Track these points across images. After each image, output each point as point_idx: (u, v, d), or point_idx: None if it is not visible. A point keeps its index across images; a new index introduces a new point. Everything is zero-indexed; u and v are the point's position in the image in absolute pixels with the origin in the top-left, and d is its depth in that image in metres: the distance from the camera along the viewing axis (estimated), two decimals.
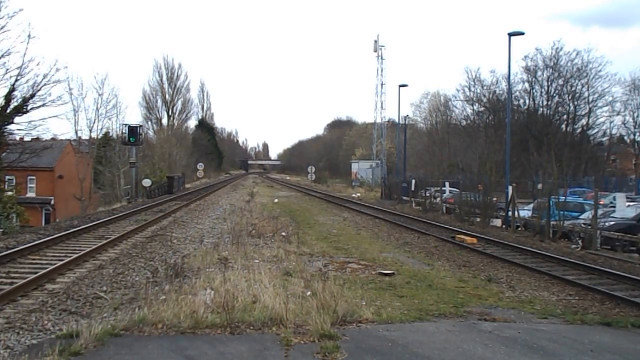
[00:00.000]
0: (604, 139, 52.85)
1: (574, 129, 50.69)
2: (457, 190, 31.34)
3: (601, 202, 22.53)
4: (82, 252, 12.30)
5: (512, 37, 24.30)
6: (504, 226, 23.29)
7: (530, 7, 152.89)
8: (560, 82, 49.11)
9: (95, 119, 44.23)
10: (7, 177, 32.12)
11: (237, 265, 10.68)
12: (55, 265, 10.69)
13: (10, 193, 30.75)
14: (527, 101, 52.33)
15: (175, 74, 70.42)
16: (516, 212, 22.24)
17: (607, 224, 18.73)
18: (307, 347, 6.06)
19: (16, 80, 26.13)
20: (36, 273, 9.94)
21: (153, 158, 49.88)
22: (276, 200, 35.61)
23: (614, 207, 22.60)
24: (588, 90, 48.56)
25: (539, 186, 25.47)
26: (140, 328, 6.53)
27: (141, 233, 16.96)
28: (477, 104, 55.41)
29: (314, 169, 61.77)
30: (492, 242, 17.86)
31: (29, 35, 27.01)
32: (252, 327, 6.70)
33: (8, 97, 26.04)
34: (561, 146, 41.18)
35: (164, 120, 69.04)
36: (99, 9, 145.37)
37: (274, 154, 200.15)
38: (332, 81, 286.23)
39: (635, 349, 6.87)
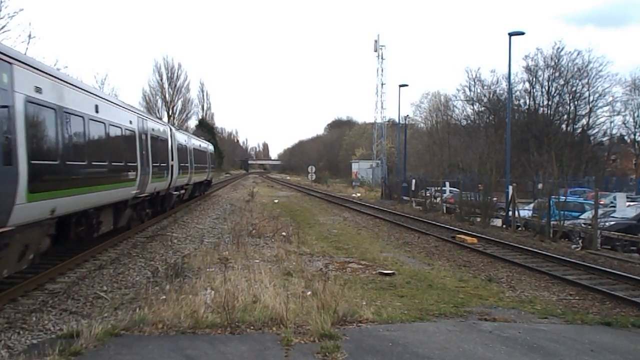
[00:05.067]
0: (604, 139, 52.90)
1: (574, 129, 50.72)
2: (457, 190, 31.32)
3: (601, 202, 22.50)
4: (82, 252, 12.29)
5: (513, 37, 24.29)
6: (504, 226, 23.28)
7: (530, 7, 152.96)
8: (561, 82, 49.18)
9: None
10: None
11: (237, 265, 10.68)
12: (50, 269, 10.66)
13: None
14: (527, 101, 52.41)
15: (175, 74, 70.53)
16: (516, 212, 22.23)
17: (607, 223, 18.72)
18: (307, 347, 6.05)
19: None
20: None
21: None
22: (276, 200, 35.59)
23: (614, 207, 22.57)
24: (588, 90, 48.64)
25: (539, 186, 25.47)
26: (140, 328, 6.52)
27: (141, 233, 16.95)
28: (477, 104, 55.51)
29: (314, 169, 61.67)
30: (492, 242, 17.85)
31: (29, 35, 27.28)
32: (252, 327, 6.69)
33: None
34: (561, 146, 41.22)
35: (164, 120, 69.03)
36: (99, 9, 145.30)
37: (274, 154, 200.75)
38: (332, 81, 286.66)
39: (635, 349, 6.85)
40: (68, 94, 10.19)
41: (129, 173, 14.37)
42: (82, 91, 11.38)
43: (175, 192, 22.96)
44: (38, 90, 8.72)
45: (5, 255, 7.96)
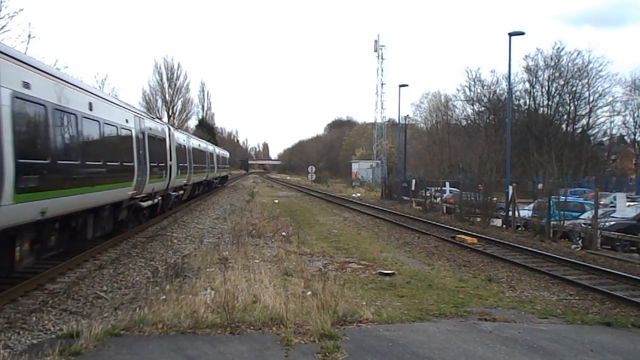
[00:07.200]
0: (604, 139, 52.94)
1: (574, 129, 50.76)
2: (457, 190, 31.31)
3: (601, 202, 22.51)
4: (83, 252, 12.29)
5: (513, 37, 24.29)
6: (504, 226, 23.27)
7: (530, 7, 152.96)
8: (561, 82, 49.23)
9: None
10: None
11: (237, 265, 10.67)
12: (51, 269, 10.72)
13: None
14: (527, 101, 52.47)
15: (175, 74, 70.48)
16: (516, 212, 22.23)
17: (607, 224, 18.71)
18: (307, 347, 6.05)
19: None
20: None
21: None
22: (276, 200, 35.61)
23: (614, 207, 22.57)
24: (588, 90, 48.68)
25: (539, 186, 25.47)
26: (140, 328, 6.52)
27: (141, 233, 16.96)
28: (477, 104, 55.58)
29: (314, 169, 61.60)
30: (492, 242, 17.85)
31: (29, 35, 27.30)
32: (252, 327, 6.69)
33: None
34: (561, 146, 41.20)
35: (164, 120, 68.89)
36: (99, 9, 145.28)
37: (274, 154, 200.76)
38: (332, 81, 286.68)
39: (635, 349, 6.86)
40: (202, 145, 33.25)
41: (205, 169, 32.54)
42: (202, 141, 35.67)
43: (213, 181, 41.12)
44: (195, 147, 28.96)
45: (187, 192, 26.82)
